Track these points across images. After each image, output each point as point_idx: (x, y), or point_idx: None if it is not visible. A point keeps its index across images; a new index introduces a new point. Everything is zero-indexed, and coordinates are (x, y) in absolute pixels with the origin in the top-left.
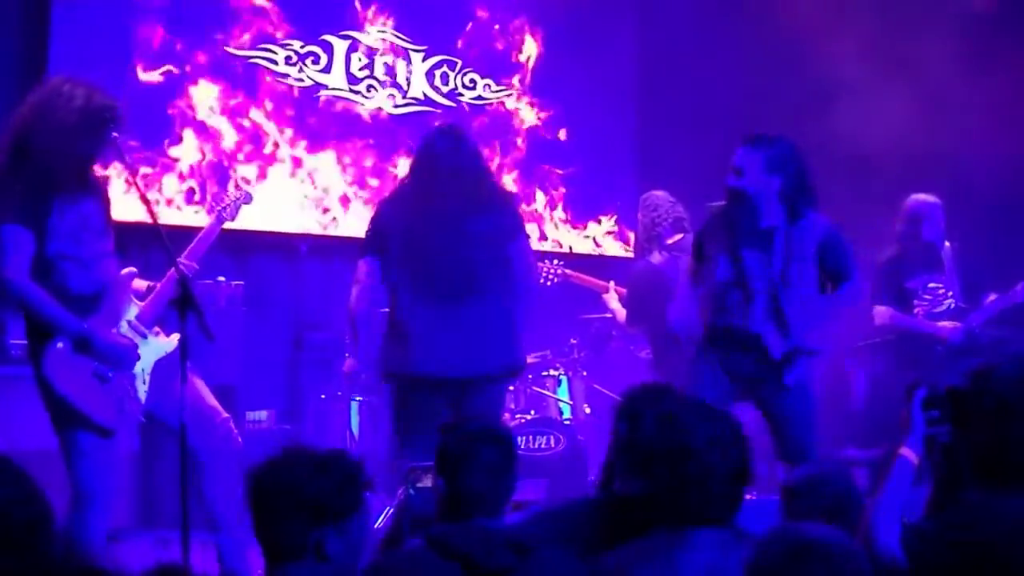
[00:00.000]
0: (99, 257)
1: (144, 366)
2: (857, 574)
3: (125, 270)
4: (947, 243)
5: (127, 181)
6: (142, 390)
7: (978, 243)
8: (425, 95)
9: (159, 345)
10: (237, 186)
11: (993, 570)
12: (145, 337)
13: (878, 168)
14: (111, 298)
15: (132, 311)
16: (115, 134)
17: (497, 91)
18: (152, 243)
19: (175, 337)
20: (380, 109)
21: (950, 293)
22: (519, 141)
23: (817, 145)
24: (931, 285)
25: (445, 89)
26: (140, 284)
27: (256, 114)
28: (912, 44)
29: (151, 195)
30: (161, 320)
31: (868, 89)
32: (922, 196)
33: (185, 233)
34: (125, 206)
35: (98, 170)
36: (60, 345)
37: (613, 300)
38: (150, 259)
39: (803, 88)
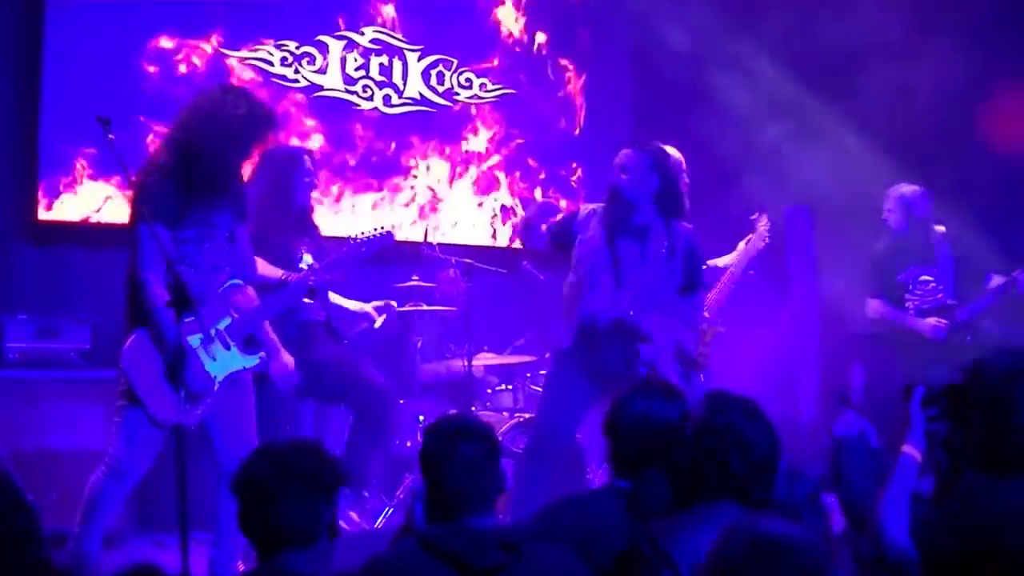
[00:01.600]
0: (215, 268)
1: (217, 374)
2: (818, 571)
3: (229, 281)
4: (942, 229)
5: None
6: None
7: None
8: (421, 95)
9: (239, 359)
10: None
11: (993, 554)
12: (229, 348)
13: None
14: (208, 306)
15: (224, 321)
16: (111, 136)
17: (493, 90)
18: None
19: (261, 355)
20: (376, 109)
21: (940, 287)
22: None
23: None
24: (922, 278)
25: (441, 89)
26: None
27: None
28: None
29: None
30: (252, 335)
31: (881, 66)
32: (907, 186)
33: None
34: (124, 209)
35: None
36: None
37: None
38: None
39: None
